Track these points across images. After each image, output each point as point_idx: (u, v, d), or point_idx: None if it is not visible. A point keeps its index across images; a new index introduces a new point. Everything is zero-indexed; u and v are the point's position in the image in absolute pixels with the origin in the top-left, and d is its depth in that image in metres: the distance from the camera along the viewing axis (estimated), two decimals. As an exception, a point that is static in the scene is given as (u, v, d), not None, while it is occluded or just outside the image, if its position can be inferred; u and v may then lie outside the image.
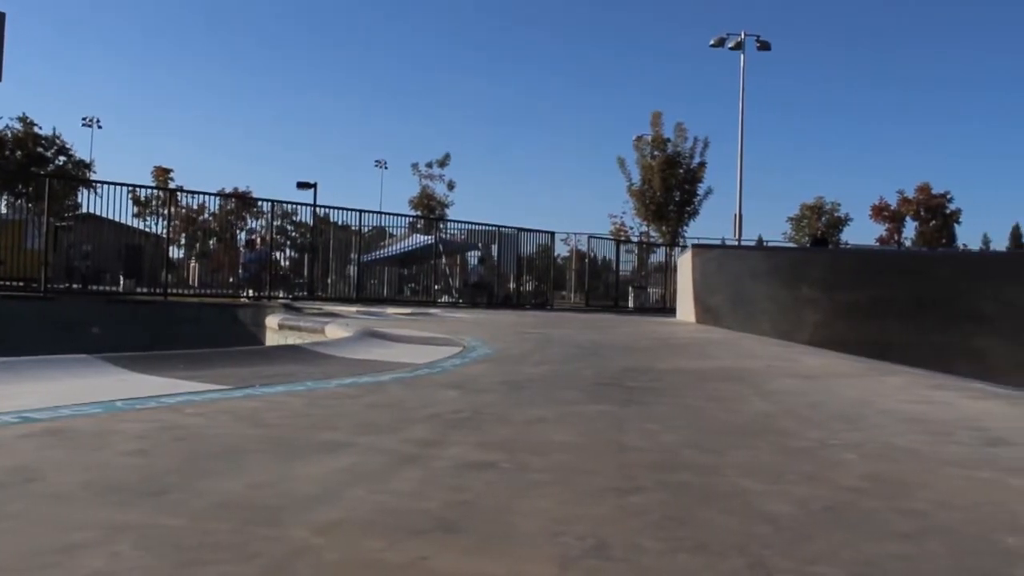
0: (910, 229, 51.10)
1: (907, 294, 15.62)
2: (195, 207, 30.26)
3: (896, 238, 50.95)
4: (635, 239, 39.02)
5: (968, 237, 57.59)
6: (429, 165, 47.59)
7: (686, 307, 17.89)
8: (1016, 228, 57.73)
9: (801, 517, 2.16)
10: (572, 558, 1.79)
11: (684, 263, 18.79)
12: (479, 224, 29.86)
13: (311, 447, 2.97)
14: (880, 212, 51.61)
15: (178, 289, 24.91)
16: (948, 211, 50.74)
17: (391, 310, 19.13)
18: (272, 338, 13.58)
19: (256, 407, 3.87)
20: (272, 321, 14.08)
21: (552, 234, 30.40)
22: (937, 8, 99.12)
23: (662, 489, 2.44)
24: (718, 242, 33.69)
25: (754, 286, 16.49)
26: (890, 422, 3.88)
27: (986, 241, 58.95)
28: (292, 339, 11.92)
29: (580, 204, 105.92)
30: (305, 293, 25.70)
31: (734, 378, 5.83)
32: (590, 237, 32.11)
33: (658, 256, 34.77)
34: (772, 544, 1.91)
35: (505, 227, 29.08)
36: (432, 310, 20.47)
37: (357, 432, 3.27)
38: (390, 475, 2.54)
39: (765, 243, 41.62)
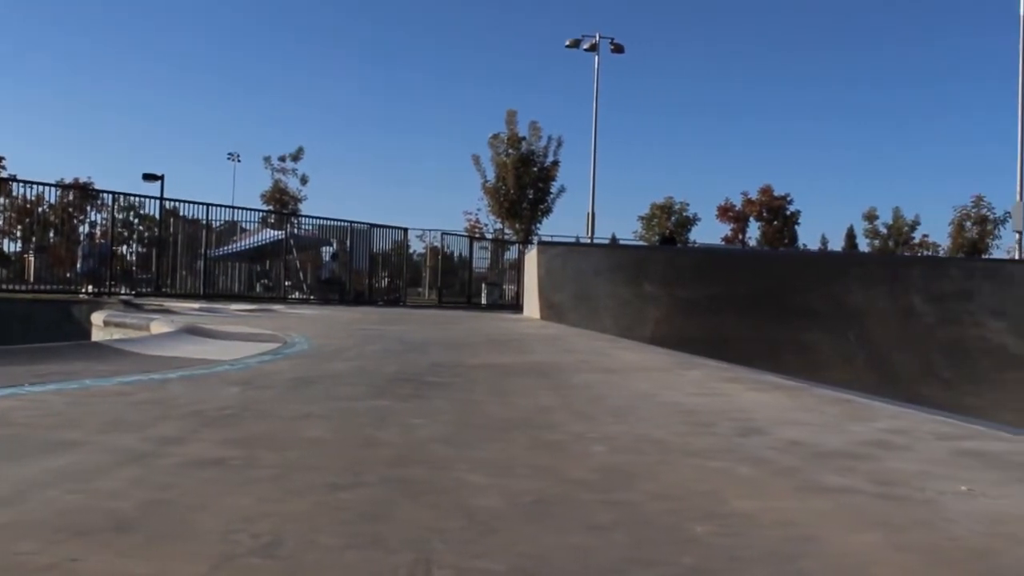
0: (754, 229, 53.14)
1: (744, 291, 16.12)
2: (31, 198, 28.83)
3: (740, 238, 52.73)
4: (489, 236, 39.19)
5: (808, 237, 60.26)
6: (282, 159, 46.27)
7: (532, 304, 18.02)
8: (851, 229, 60.44)
9: (504, 511, 2.14)
10: (232, 556, 1.71)
11: (530, 260, 18.92)
12: (331, 219, 29.39)
13: (40, 447, 2.81)
14: (726, 212, 53.34)
15: (11, 285, 23.66)
16: (788, 212, 52.89)
17: (235, 306, 18.67)
18: (97, 335, 13.02)
19: (9, 407, 3.66)
20: (97, 318, 13.51)
21: (405, 230, 30.21)
22: (781, 8, 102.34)
23: (382, 484, 2.39)
24: (572, 239, 34.11)
25: (597, 283, 16.71)
26: (661, 414, 3.94)
27: (824, 241, 61.71)
28: (117, 335, 11.47)
29: (439, 201, 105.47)
30: (150, 289, 24.80)
31: (538, 373, 5.86)
32: (443, 234, 32.06)
33: (512, 253, 34.91)
34: (453, 539, 1.88)
35: (358, 223, 28.74)
36: (277, 306, 20.04)
37: (101, 431, 3.12)
38: (103, 474, 2.42)
39: (618, 241, 42.40)
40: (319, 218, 30.27)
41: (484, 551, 1.80)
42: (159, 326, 10.20)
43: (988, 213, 49.74)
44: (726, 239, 52.55)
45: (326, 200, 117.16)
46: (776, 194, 52.94)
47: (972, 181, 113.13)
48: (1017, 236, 28.76)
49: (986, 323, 16.46)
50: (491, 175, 38.10)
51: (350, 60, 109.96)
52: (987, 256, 43.81)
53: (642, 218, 53.55)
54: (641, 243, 45.92)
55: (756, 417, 3.90)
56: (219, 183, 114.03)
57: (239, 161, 63.20)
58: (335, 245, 29.96)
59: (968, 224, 50.08)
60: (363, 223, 28.93)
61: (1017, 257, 28.02)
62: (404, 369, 5.79)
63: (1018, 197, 28.81)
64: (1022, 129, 29.15)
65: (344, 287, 28.70)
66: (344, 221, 29.20)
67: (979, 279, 17.30)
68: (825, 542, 1.96)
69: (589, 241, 32.68)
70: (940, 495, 2.43)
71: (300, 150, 45.08)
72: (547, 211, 37.94)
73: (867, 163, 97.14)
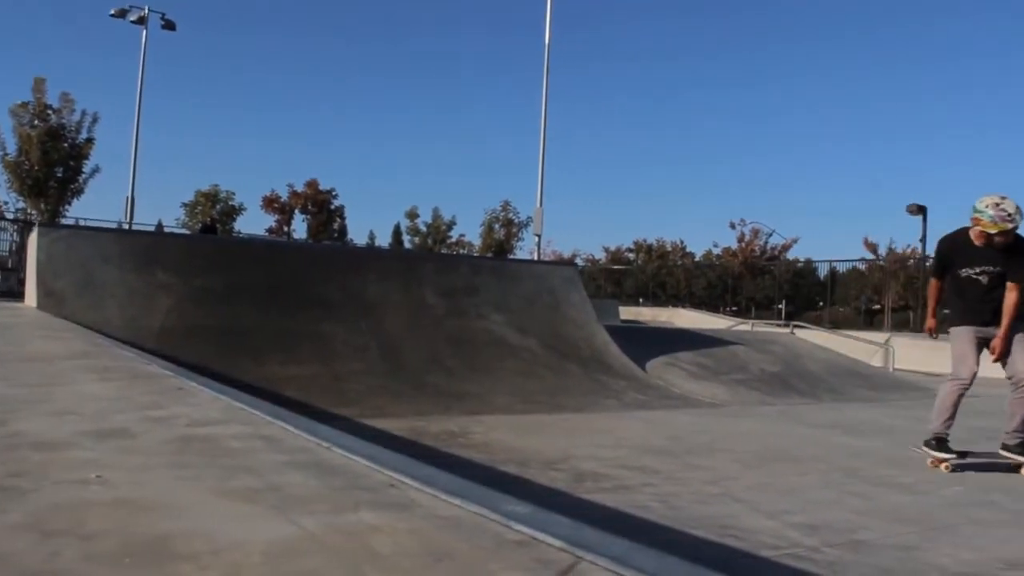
0: (300, 221, 53.60)
1: (260, 281, 16.04)
2: None
3: (286, 229, 52.94)
4: (10, 216, 35.82)
5: (358, 232, 62.63)
6: None
7: (31, 291, 16.77)
8: (397, 226, 62.63)
9: None
10: None
11: (31, 244, 17.59)
12: None
13: None
14: (271, 203, 53.20)
15: None
16: (333, 207, 54.08)
17: None
18: None
19: None
20: None
21: None
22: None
23: None
24: (114, 224, 32.31)
25: (105, 270, 15.82)
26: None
27: (372, 237, 63.59)
28: None
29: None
30: None
31: None
32: (-57, 211, 28.84)
33: (39, 236, 32.24)
34: None
35: None
36: None
37: None
38: None
39: (164, 228, 40.81)
40: None
41: None
42: None
43: (514, 217, 54.26)
44: (271, 230, 52.47)
45: None
46: (322, 188, 53.76)
47: (510, 184, 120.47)
48: (537, 239, 31.57)
49: (489, 316, 17.74)
50: (13, 148, 34.77)
51: None
52: (512, 256, 47.52)
53: (186, 205, 51.64)
54: (184, 231, 44.48)
55: (171, 414, 3.76)
56: None
57: None
58: None
59: (497, 226, 54.23)
60: None
61: (536, 258, 30.71)
62: None
63: (538, 203, 31.64)
64: (544, 139, 32.01)
65: None
66: None
67: (486, 276, 18.61)
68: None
69: (128, 226, 31.15)
70: (71, 484, 2.44)
71: None
72: (79, 191, 35.38)
73: (415, 162, 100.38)
